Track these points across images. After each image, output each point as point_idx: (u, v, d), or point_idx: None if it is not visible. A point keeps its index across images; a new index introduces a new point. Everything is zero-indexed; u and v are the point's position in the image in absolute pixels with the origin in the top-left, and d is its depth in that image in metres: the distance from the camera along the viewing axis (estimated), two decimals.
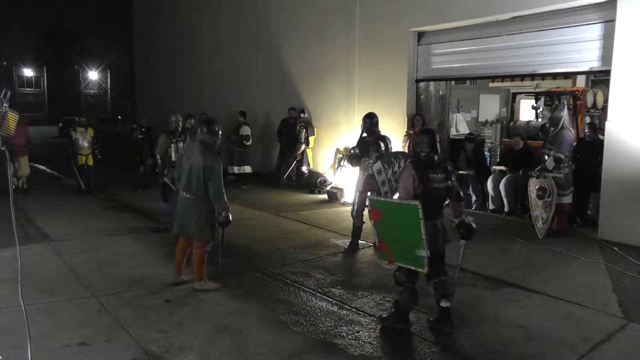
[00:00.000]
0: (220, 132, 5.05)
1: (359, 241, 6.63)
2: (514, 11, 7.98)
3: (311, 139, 11.16)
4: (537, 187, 7.01)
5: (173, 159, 7.37)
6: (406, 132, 9.17)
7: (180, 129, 7.65)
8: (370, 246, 6.54)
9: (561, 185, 6.92)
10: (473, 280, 5.43)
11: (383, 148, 6.35)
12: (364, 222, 6.48)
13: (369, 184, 6.34)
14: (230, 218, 4.96)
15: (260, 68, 13.08)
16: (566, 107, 7.32)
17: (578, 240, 6.89)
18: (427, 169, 4.11)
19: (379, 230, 4.19)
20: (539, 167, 7.07)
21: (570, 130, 7.05)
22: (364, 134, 6.57)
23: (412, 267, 4.04)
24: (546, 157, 7.01)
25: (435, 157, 4.19)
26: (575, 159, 7.27)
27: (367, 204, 5.05)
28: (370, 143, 6.41)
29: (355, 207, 6.53)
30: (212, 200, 4.88)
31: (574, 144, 7.47)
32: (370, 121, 6.53)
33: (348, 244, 6.62)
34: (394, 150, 6.46)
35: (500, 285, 5.31)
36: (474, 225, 4.20)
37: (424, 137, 4.22)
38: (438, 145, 4.22)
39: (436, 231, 4.11)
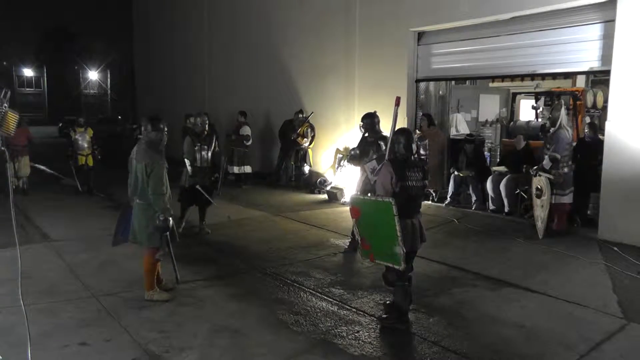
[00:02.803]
0: (166, 129, 4.74)
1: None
2: (514, 11, 7.97)
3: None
4: (535, 186, 7.03)
5: (198, 164, 7.07)
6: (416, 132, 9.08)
7: (206, 132, 7.17)
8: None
9: (560, 185, 6.93)
10: (473, 280, 5.43)
11: (384, 148, 6.33)
12: None
13: (368, 183, 6.35)
14: (171, 224, 4.64)
15: (260, 68, 13.08)
16: (563, 106, 7.34)
17: (578, 240, 6.89)
18: (405, 167, 4.17)
19: (360, 228, 4.26)
20: (537, 167, 7.09)
21: (567, 130, 7.04)
22: (366, 134, 6.55)
23: (390, 264, 4.11)
24: (545, 157, 7.03)
25: (412, 157, 4.31)
26: (575, 159, 7.27)
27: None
28: (371, 143, 6.39)
29: None
30: (151, 202, 4.56)
31: (574, 143, 7.47)
32: (370, 121, 6.48)
33: (348, 244, 6.62)
34: None
35: (500, 285, 5.31)
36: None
37: (401, 137, 4.28)
38: (414, 145, 4.32)
39: (413, 229, 4.17)
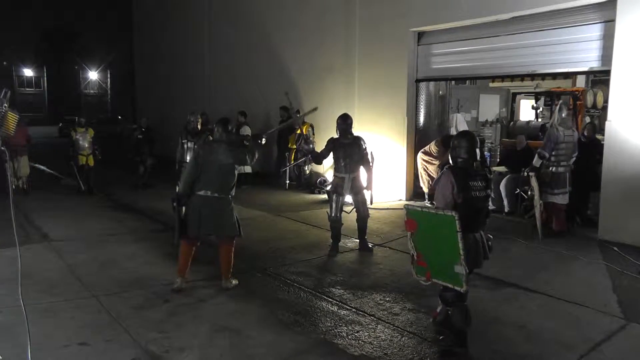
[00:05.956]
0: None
1: (339, 244, 6.54)
2: (514, 11, 7.97)
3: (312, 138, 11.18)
4: (529, 187, 7.08)
5: (186, 160, 7.33)
6: (432, 155, 8.45)
7: (199, 129, 7.44)
8: (357, 249, 6.59)
9: (548, 184, 6.96)
10: (473, 280, 5.38)
11: (364, 147, 6.41)
12: (342, 224, 6.49)
13: (355, 186, 6.40)
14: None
15: (260, 68, 13.08)
16: (558, 107, 7.40)
17: (578, 240, 6.89)
18: (467, 177, 3.77)
19: (417, 243, 3.87)
20: (529, 167, 7.13)
21: (557, 129, 7.05)
22: (338, 136, 6.45)
23: (450, 285, 3.72)
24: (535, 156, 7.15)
25: (474, 164, 3.88)
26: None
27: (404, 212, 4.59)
28: (352, 145, 6.39)
29: (334, 210, 6.41)
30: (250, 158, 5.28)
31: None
32: (348, 122, 6.46)
33: (329, 250, 6.43)
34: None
35: (500, 285, 5.31)
36: (490, 244, 4.05)
37: (462, 142, 3.86)
38: (477, 150, 3.90)
39: (476, 245, 3.82)
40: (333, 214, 6.41)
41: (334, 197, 6.44)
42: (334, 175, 6.60)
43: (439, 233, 3.66)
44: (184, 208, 4.94)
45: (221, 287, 5.14)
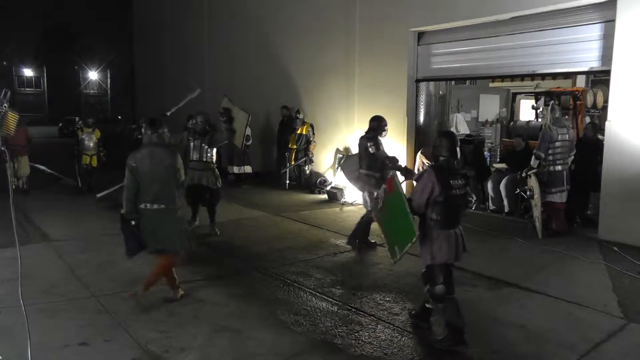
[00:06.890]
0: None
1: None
2: (514, 11, 7.97)
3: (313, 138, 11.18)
4: (528, 187, 7.08)
5: (193, 158, 7.12)
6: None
7: (207, 129, 7.25)
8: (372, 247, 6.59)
9: (545, 183, 6.99)
10: (473, 280, 5.43)
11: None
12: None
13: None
14: None
15: (260, 68, 13.08)
16: (549, 107, 7.42)
17: (578, 240, 6.89)
18: (448, 175, 3.88)
19: (386, 199, 4.17)
20: (526, 168, 7.15)
21: (551, 129, 7.06)
22: (374, 136, 6.47)
23: (386, 247, 4.35)
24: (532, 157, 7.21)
25: (455, 162, 3.97)
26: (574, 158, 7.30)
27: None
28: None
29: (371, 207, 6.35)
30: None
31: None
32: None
33: (366, 248, 6.47)
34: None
35: (500, 285, 5.32)
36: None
37: (444, 141, 3.96)
38: (458, 149, 3.98)
39: (456, 240, 3.95)
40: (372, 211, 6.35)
41: (371, 195, 6.24)
42: (368, 175, 6.40)
43: (401, 226, 3.98)
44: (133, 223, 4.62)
45: (221, 287, 5.12)
